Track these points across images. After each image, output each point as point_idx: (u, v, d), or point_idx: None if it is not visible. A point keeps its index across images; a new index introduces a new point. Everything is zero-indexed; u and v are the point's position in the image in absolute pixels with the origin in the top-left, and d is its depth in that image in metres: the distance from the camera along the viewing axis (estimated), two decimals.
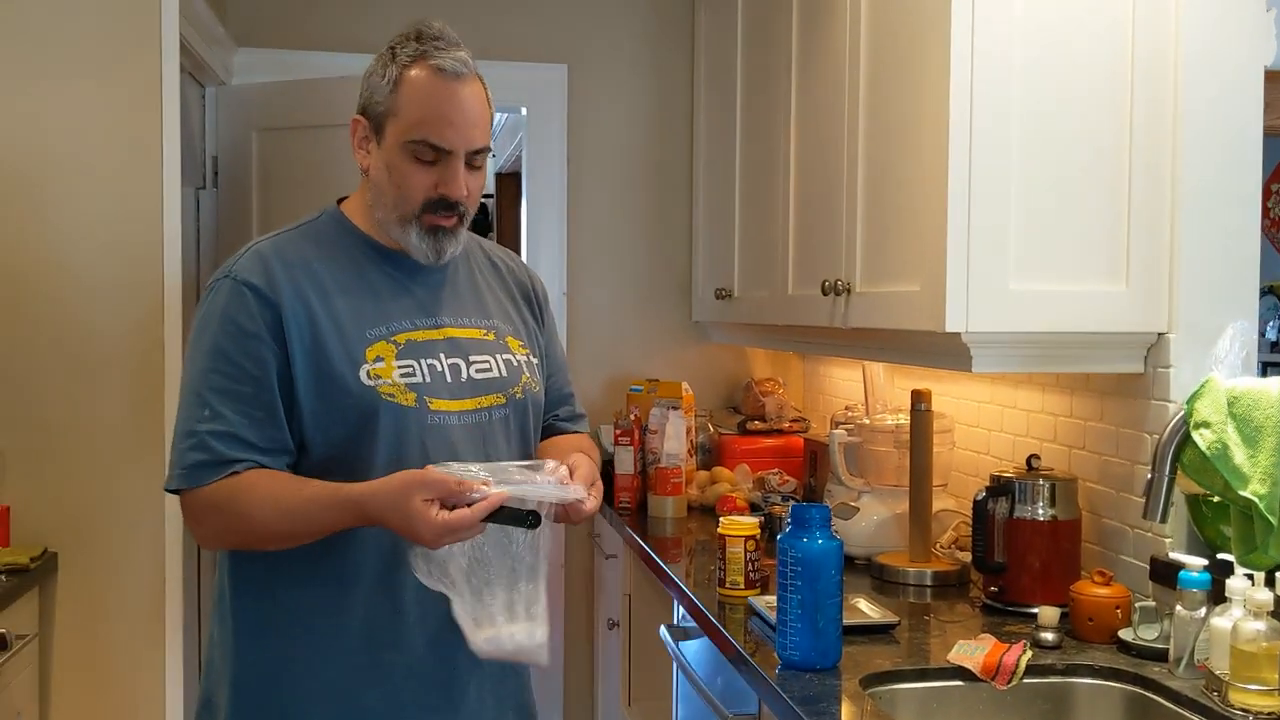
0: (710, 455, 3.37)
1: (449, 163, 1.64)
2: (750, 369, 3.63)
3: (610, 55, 3.56)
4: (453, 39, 1.66)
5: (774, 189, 2.77)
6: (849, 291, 2.28)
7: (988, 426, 2.53)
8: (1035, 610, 2.03)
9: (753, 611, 2.09)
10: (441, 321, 1.71)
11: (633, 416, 3.19)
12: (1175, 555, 1.81)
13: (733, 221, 3.10)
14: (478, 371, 1.70)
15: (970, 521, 2.38)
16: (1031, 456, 2.14)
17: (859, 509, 2.53)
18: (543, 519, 1.50)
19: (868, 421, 2.62)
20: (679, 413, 3.15)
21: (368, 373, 1.61)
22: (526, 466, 1.56)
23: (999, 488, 2.11)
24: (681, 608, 2.46)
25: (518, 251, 3.69)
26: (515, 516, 1.48)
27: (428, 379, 1.65)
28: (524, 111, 3.63)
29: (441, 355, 1.68)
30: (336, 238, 1.71)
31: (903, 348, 2.19)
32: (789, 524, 1.78)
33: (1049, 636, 1.89)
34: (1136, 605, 1.86)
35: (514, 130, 4.84)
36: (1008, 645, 1.84)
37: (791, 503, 2.96)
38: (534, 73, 3.51)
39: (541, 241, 3.55)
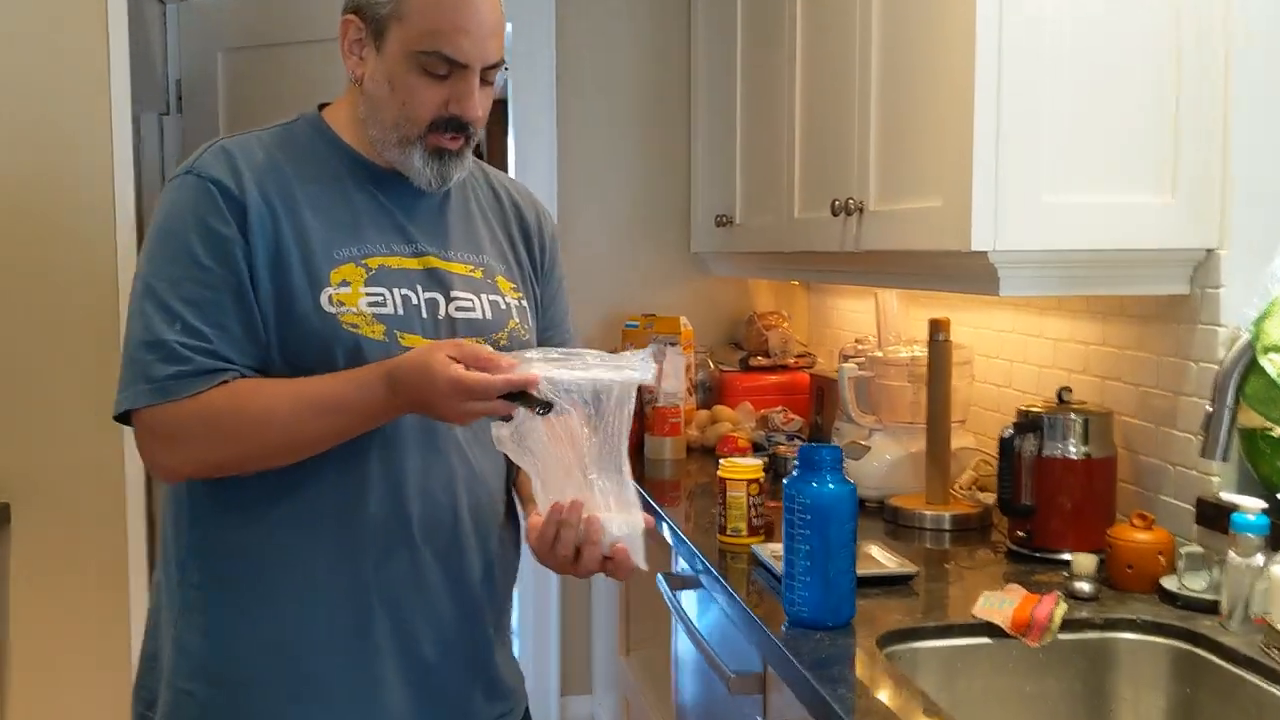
0: (711, 394, 3.18)
1: (463, 78, 1.44)
2: (753, 302, 3.43)
3: None
4: None
5: (778, 104, 2.55)
6: (861, 210, 2.07)
7: (1010, 357, 2.34)
8: (1066, 557, 1.86)
9: (756, 561, 1.91)
10: (423, 249, 1.51)
11: None
12: (1227, 496, 1.62)
13: (734, 143, 2.88)
14: (458, 310, 1.50)
15: (993, 460, 2.20)
16: (1062, 389, 1.95)
17: (870, 448, 2.35)
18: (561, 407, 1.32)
19: (879, 354, 2.43)
20: (677, 349, 2.96)
21: (330, 298, 1.41)
22: (612, 356, 1.38)
23: (1026, 423, 1.92)
24: (680, 556, 2.29)
25: None
26: (529, 401, 1.31)
27: (400, 310, 1.45)
28: (509, 29, 3.39)
29: (418, 286, 1.48)
30: (313, 146, 1.51)
31: (921, 272, 1.99)
32: (796, 467, 1.59)
33: (1085, 587, 1.71)
34: (1182, 551, 1.68)
35: None
36: (1039, 597, 1.67)
37: (797, 442, 2.78)
38: None
39: (529, 168, 3.32)
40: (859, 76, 2.09)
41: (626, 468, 1.39)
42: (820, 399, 2.90)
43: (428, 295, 1.48)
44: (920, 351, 2.35)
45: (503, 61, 1.49)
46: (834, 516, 1.56)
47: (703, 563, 1.97)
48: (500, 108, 4.68)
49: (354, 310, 1.42)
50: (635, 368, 1.36)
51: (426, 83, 1.44)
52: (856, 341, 2.65)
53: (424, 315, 1.47)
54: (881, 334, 2.47)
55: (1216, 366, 1.73)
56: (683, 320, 3.06)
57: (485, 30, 1.44)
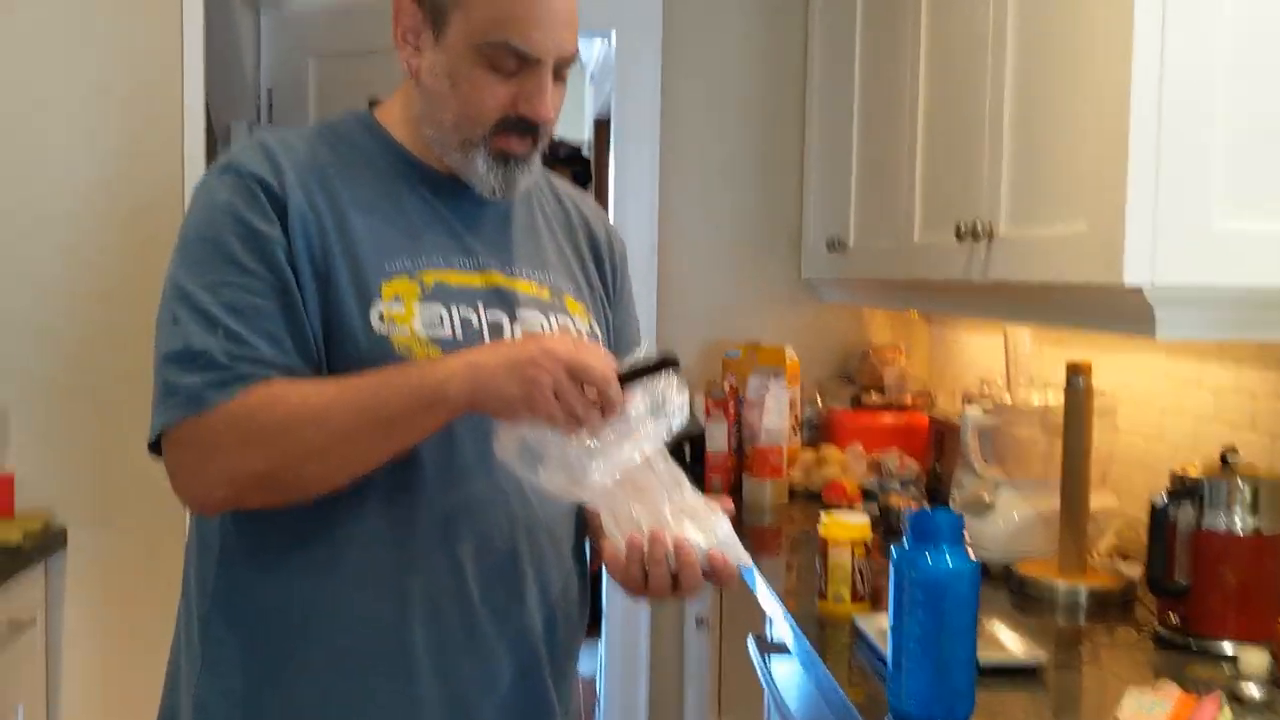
0: (817, 432, 2.93)
1: (534, 73, 1.27)
2: (867, 334, 3.17)
3: None
4: None
5: (898, 116, 2.30)
6: (991, 236, 1.82)
7: (1162, 407, 2.05)
8: (1228, 648, 1.59)
9: (860, 635, 1.66)
10: (485, 264, 1.33)
11: (728, 386, 2.78)
12: None
13: (849, 160, 2.64)
14: (525, 333, 1.31)
15: (1138, 526, 1.92)
16: (1226, 450, 1.66)
17: (994, 505, 2.07)
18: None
19: (1008, 399, 2.16)
20: (781, 382, 2.72)
21: (380, 315, 1.24)
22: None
23: (1183, 490, 1.63)
24: (772, 619, 2.05)
25: (603, 201, 3.28)
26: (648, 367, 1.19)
27: (459, 335, 1.27)
28: (613, 36, 3.21)
29: (480, 306, 1.30)
30: (361, 145, 1.35)
31: (1061, 307, 1.72)
32: (907, 535, 1.35)
33: (1253, 690, 1.42)
34: None
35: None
36: (1197, 699, 1.38)
37: (912, 491, 2.52)
38: None
39: (630, 187, 3.12)
40: (991, 84, 1.83)
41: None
42: (940, 445, 2.63)
43: (491, 316, 1.30)
44: (1055, 398, 2.08)
45: (576, 56, 1.30)
46: (952, 596, 1.31)
47: (798, 632, 1.73)
48: (604, 128, 4.53)
49: (406, 332, 1.24)
50: (709, 521, 1.21)
51: (493, 79, 1.26)
52: (983, 383, 2.37)
53: (487, 339, 1.28)
54: (1011, 376, 2.20)
55: None
56: (789, 351, 2.83)
57: (559, 20, 1.26)
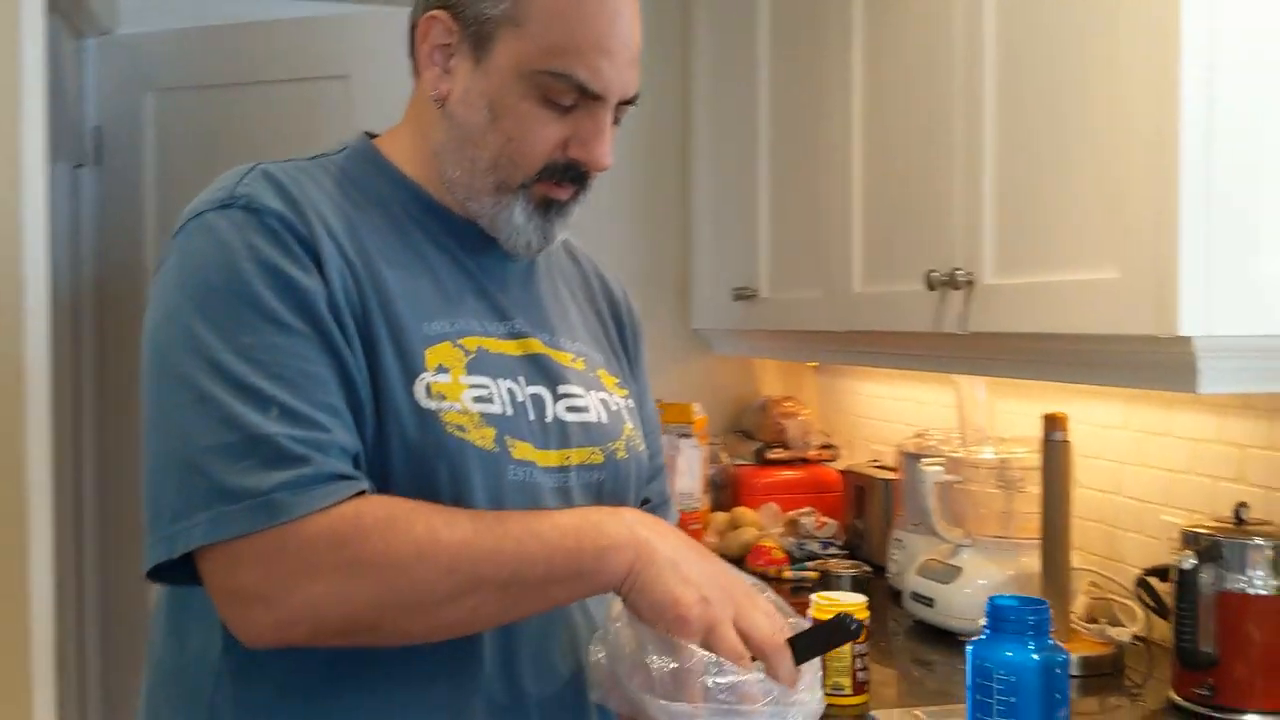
0: (723, 492, 2.76)
1: (593, 114, 1.06)
2: (758, 386, 3.03)
3: None
4: None
5: (827, 165, 2.16)
6: (970, 284, 1.69)
7: (1119, 459, 1.97)
8: (1252, 718, 1.49)
9: None
10: (521, 330, 1.11)
11: None
12: None
13: (755, 203, 2.49)
14: (568, 410, 1.10)
15: (1108, 584, 1.83)
16: (1239, 505, 1.58)
17: (961, 569, 1.95)
18: None
19: (961, 453, 2.05)
20: (692, 441, 2.54)
21: (428, 387, 1.00)
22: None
23: (1204, 550, 1.54)
24: None
25: None
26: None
27: (509, 410, 1.05)
28: None
29: (521, 378, 1.08)
30: (372, 186, 1.10)
31: (1058, 359, 1.61)
32: (986, 629, 1.18)
33: None
34: None
35: None
36: None
37: (833, 551, 2.39)
38: None
39: None
40: (963, 115, 1.71)
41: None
42: (860, 501, 2.50)
43: (532, 390, 1.08)
44: (1014, 452, 1.98)
45: (637, 98, 1.09)
46: (1047, 692, 1.15)
47: None
48: None
49: (457, 407, 1.01)
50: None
51: (545, 114, 1.05)
52: (918, 436, 2.26)
53: (530, 417, 1.06)
54: (964, 429, 2.09)
55: None
56: (696, 407, 2.65)
57: (629, 55, 1.07)
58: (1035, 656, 1.16)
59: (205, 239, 1.00)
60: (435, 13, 1.08)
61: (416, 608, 0.93)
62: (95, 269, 2.66)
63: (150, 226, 2.60)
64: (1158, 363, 1.41)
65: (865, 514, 2.48)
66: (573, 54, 1.03)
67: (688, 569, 0.95)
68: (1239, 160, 1.31)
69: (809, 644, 0.98)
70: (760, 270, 2.49)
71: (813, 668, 0.98)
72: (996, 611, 1.18)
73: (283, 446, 0.91)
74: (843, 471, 2.65)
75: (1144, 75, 1.35)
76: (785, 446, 2.77)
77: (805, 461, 2.77)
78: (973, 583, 1.92)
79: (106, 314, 2.66)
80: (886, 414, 2.74)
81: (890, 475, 2.38)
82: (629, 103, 1.09)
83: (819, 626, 1.01)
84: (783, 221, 2.41)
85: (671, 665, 0.92)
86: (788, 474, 2.73)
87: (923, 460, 2.03)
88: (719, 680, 0.92)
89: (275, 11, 2.57)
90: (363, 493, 0.94)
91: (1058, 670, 1.16)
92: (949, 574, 1.95)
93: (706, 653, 0.93)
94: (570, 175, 1.08)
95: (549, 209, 1.09)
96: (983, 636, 1.19)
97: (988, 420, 2.09)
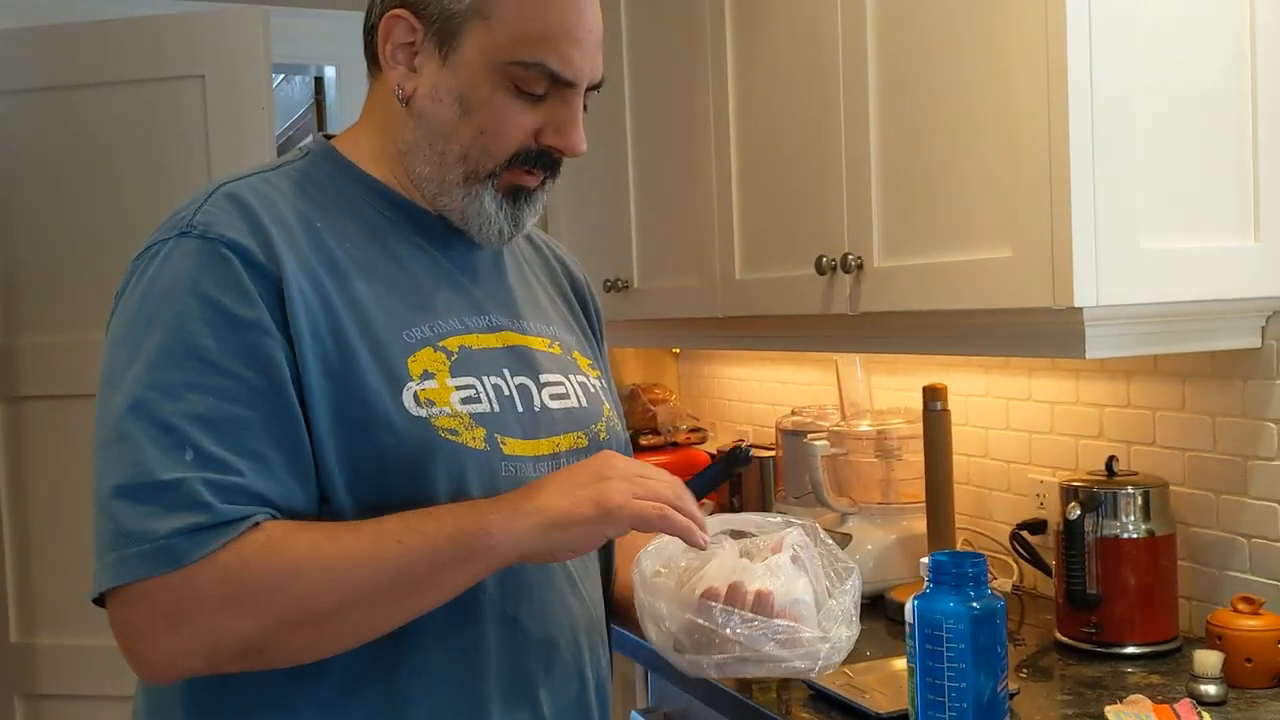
0: None
1: (565, 100, 1.09)
2: (622, 375, 3.10)
3: None
4: None
5: (697, 155, 2.24)
6: (860, 268, 1.80)
7: (984, 424, 2.13)
8: (1132, 650, 1.66)
9: (819, 695, 1.57)
10: (497, 322, 1.14)
11: None
12: None
13: (625, 191, 2.55)
14: (553, 398, 1.14)
15: (979, 538, 1.97)
16: (1111, 458, 1.74)
17: (851, 536, 2.07)
18: None
19: (842, 427, 2.16)
20: None
21: (415, 395, 1.02)
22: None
23: (1084, 501, 1.69)
24: (651, 685, 1.93)
25: None
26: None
27: (496, 407, 1.07)
28: (329, 72, 2.96)
29: (505, 371, 1.10)
30: (340, 189, 1.11)
31: (946, 334, 1.73)
32: (929, 584, 1.28)
33: (1211, 690, 1.48)
34: None
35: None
36: (1170, 708, 1.43)
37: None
38: (342, 23, 2.81)
39: None
40: (847, 100, 1.81)
41: None
42: (736, 480, 2.60)
43: (518, 380, 1.11)
44: (890, 424, 2.12)
45: (603, 83, 1.13)
46: (989, 634, 1.26)
47: (728, 698, 1.62)
48: None
49: (447, 411, 1.03)
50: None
51: (519, 104, 1.08)
52: (793, 414, 2.37)
53: (519, 408, 1.10)
54: (844, 405, 2.21)
55: None
56: None
57: (595, 40, 1.11)
58: (976, 605, 1.26)
59: (158, 269, 1.00)
60: (397, 11, 1.09)
61: (303, 624, 0.94)
62: None
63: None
64: (1048, 333, 1.54)
65: (741, 492, 2.58)
66: (542, 43, 1.07)
67: (564, 485, 1.00)
68: (1118, 146, 1.45)
69: (710, 480, 1.06)
70: (632, 261, 2.55)
71: (843, 607, 1.05)
72: (938, 566, 1.28)
73: (189, 491, 0.92)
74: (713, 454, 2.74)
75: (1031, 64, 1.47)
76: (656, 432, 2.85)
77: (676, 445, 2.86)
78: (862, 548, 2.04)
79: None
80: (750, 395, 2.85)
81: (766, 454, 2.49)
82: (596, 88, 1.13)
83: (714, 462, 1.09)
84: (654, 214, 2.48)
85: (699, 622, 0.99)
86: (660, 458, 2.80)
87: (808, 435, 2.14)
88: (742, 630, 0.99)
89: (132, 8, 2.48)
90: (258, 523, 0.94)
91: (998, 618, 1.27)
92: (841, 541, 2.05)
93: (723, 606, 1.00)
94: (541, 162, 1.11)
95: (518, 196, 1.12)
96: (926, 590, 1.28)
97: (865, 395, 2.21)
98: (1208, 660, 1.49)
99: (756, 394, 2.82)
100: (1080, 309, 1.45)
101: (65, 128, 2.45)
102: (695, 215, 2.28)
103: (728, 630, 1.00)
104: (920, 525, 2.02)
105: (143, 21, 2.42)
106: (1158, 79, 1.49)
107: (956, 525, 2.12)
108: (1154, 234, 1.49)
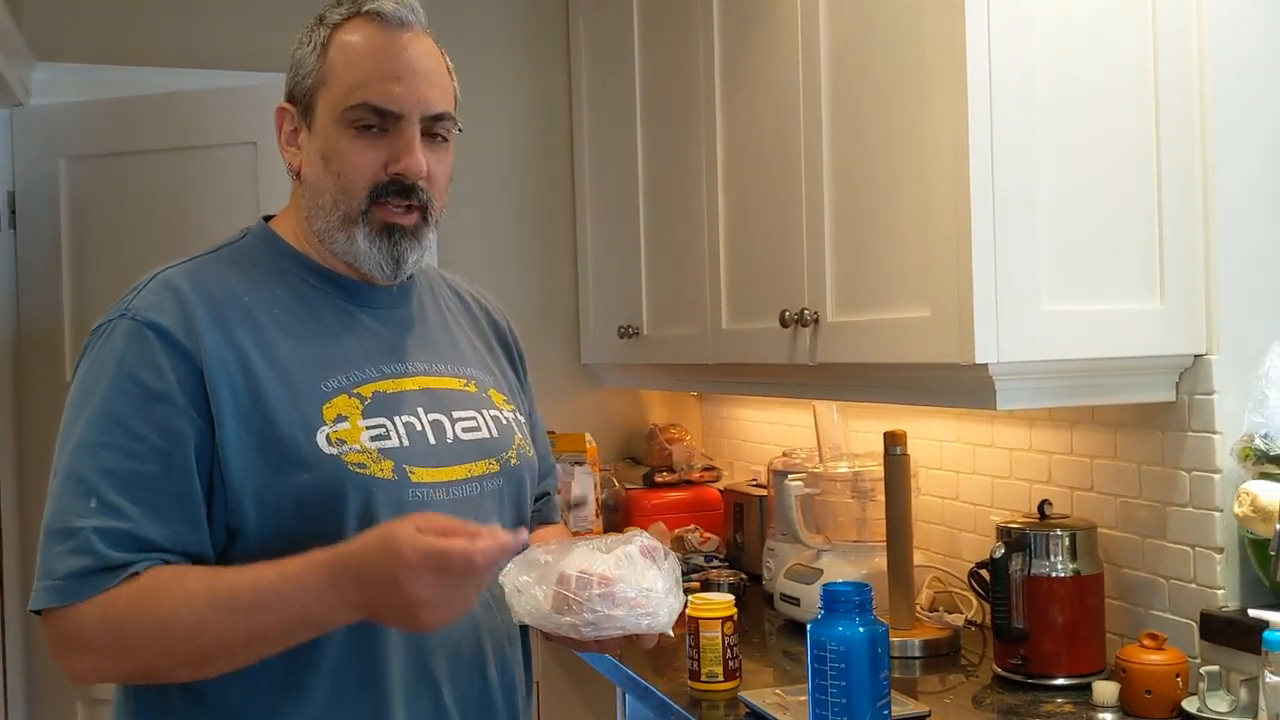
0: (615, 514, 3.00)
1: (399, 130, 1.27)
2: (646, 415, 3.28)
3: (472, 63, 3.16)
4: None
5: (693, 212, 2.44)
6: (816, 322, 1.97)
7: (955, 468, 2.26)
8: (1060, 682, 1.78)
9: (752, 711, 1.73)
10: (413, 368, 1.33)
11: None
12: (1255, 612, 1.55)
13: (638, 251, 2.75)
14: (464, 430, 1.32)
15: (949, 578, 2.10)
16: (1043, 502, 1.87)
17: (822, 571, 2.21)
18: None
19: (819, 469, 2.31)
20: (585, 469, 2.78)
21: (328, 437, 1.21)
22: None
23: (1013, 541, 1.82)
24: (627, 707, 2.09)
25: None
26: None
27: (405, 441, 1.26)
28: None
29: (419, 410, 1.29)
30: (270, 263, 1.31)
31: (891, 385, 1.89)
32: (821, 611, 1.44)
33: (1107, 718, 1.60)
34: (1203, 672, 1.60)
35: None
36: None
37: (716, 564, 2.63)
38: None
39: None
40: (806, 183, 1.99)
41: None
42: (739, 516, 2.76)
43: (432, 418, 1.29)
44: (866, 466, 2.26)
45: (450, 116, 1.31)
46: (873, 659, 1.41)
47: (681, 713, 1.78)
48: None
49: (356, 448, 1.21)
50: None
51: (361, 143, 1.26)
52: (784, 455, 2.52)
53: (431, 441, 1.28)
54: (822, 447, 2.36)
55: (1215, 475, 1.69)
56: (588, 437, 2.89)
57: (418, 76, 1.28)
58: (861, 630, 1.41)
59: (99, 347, 1.22)
60: (281, 105, 1.32)
61: (175, 667, 1.15)
62: (10, 330, 2.79)
63: (66, 287, 2.76)
64: (964, 386, 1.69)
65: (744, 528, 2.74)
66: (364, 86, 1.25)
67: (391, 604, 1.10)
68: (1018, 219, 1.61)
69: None
70: (642, 310, 2.74)
71: (670, 575, 1.23)
72: (830, 595, 1.43)
73: (87, 537, 1.12)
74: (723, 491, 2.91)
75: (941, 149, 1.64)
76: (671, 470, 3.03)
77: (690, 483, 3.02)
78: (833, 580, 2.18)
79: (22, 374, 2.79)
80: (762, 436, 3.01)
81: (764, 492, 2.64)
82: (441, 119, 1.29)
83: None
84: (660, 268, 2.67)
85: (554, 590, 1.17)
86: (674, 495, 2.98)
87: (788, 476, 2.30)
88: (589, 593, 1.17)
89: (180, 84, 2.76)
90: (137, 574, 1.12)
91: (879, 643, 1.42)
92: (812, 575, 2.21)
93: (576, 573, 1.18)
94: (398, 191, 1.27)
95: (392, 233, 1.28)
96: (819, 617, 1.44)
97: (843, 438, 2.36)
98: (1104, 690, 1.62)
99: (767, 435, 2.98)
100: (985, 364, 1.60)
101: (130, 190, 2.73)
102: (693, 271, 2.46)
103: (584, 602, 1.17)
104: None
105: (202, 95, 2.70)
106: (1062, 153, 1.64)
107: (928, 563, 2.27)
108: (1056, 297, 1.63)
